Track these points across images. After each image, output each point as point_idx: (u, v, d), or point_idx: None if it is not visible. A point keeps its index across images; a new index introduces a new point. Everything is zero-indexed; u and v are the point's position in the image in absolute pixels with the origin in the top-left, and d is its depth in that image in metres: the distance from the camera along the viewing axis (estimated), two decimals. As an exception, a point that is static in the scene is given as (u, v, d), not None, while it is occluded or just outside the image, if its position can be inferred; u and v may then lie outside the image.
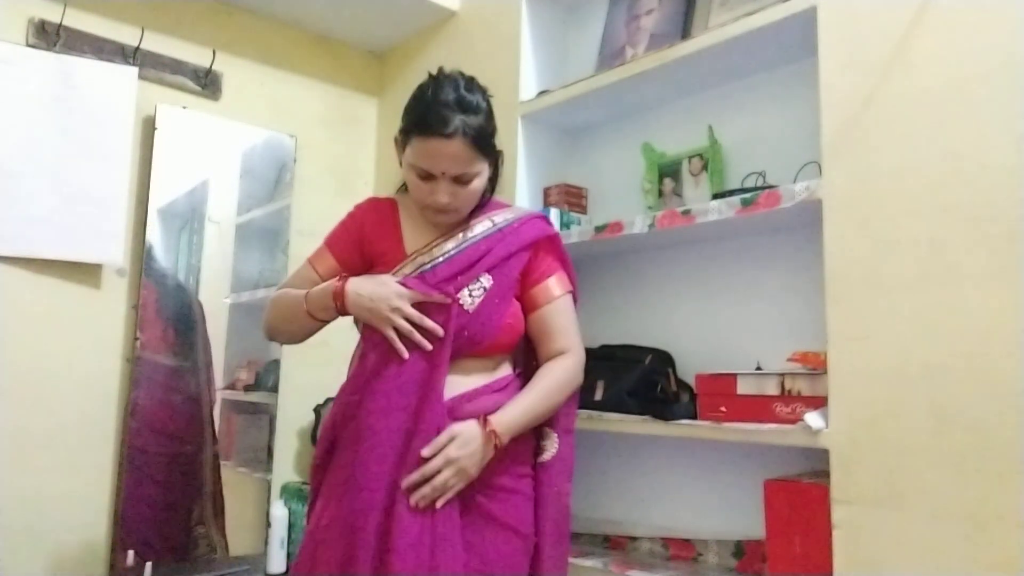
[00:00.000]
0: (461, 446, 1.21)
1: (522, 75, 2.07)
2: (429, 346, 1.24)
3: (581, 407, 1.76)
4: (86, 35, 2.01)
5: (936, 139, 1.24)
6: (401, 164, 1.34)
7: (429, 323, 1.25)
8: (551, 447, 1.36)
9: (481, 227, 1.37)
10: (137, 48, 2.08)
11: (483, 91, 1.33)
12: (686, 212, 1.59)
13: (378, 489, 1.19)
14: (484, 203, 1.40)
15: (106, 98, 1.98)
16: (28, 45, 1.92)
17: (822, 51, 1.39)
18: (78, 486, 1.92)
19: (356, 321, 1.37)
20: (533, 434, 1.37)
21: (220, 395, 2.19)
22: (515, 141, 2.04)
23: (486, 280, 1.32)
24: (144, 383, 2.02)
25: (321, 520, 1.25)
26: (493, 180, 1.38)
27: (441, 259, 1.32)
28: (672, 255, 1.88)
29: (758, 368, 1.56)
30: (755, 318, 1.69)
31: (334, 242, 1.42)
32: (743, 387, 1.48)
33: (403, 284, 1.27)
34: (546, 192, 2.08)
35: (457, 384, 1.28)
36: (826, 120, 1.37)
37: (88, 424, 1.96)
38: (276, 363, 2.27)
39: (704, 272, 1.81)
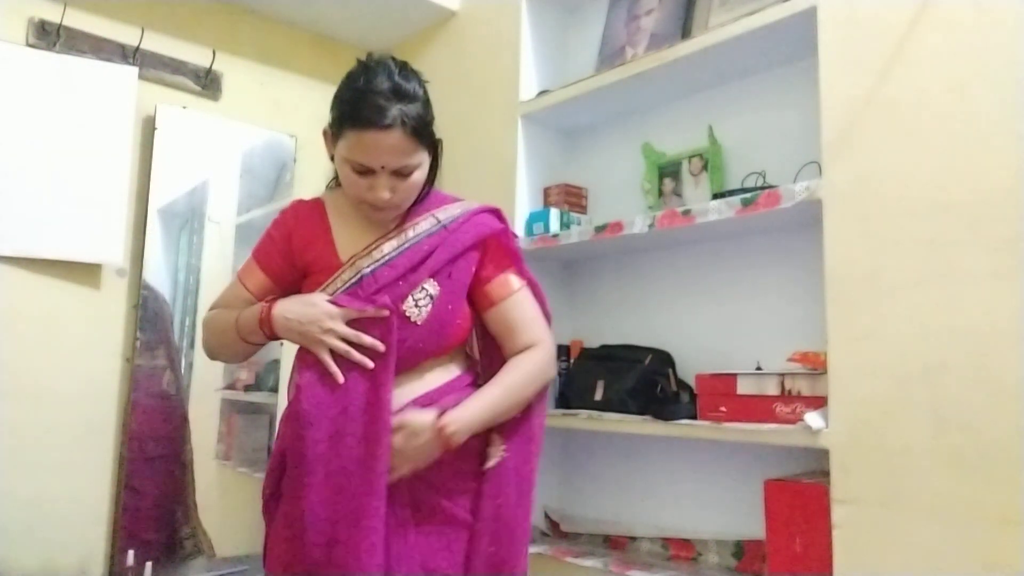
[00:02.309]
0: (408, 437, 1.14)
1: (522, 75, 2.07)
2: (371, 364, 1.16)
3: (581, 407, 1.77)
4: (86, 35, 2.01)
5: (936, 139, 1.24)
6: (332, 158, 1.25)
7: (368, 339, 1.16)
8: (495, 454, 1.25)
9: (424, 225, 1.26)
10: (137, 48, 2.08)
11: (418, 77, 1.22)
12: (686, 212, 1.59)
13: (339, 521, 1.13)
14: (426, 197, 1.30)
15: (106, 98, 1.98)
16: (28, 45, 1.92)
17: (822, 51, 1.39)
18: (78, 486, 1.92)
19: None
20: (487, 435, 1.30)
21: (220, 395, 2.19)
22: (515, 141, 2.04)
23: (431, 287, 1.23)
24: (143, 383, 2.02)
25: (284, 558, 1.16)
26: (433, 171, 1.28)
27: (381, 262, 1.22)
28: (672, 255, 1.88)
29: (758, 368, 1.56)
30: (755, 318, 1.69)
31: (261, 255, 1.31)
32: (743, 387, 1.48)
33: (333, 302, 1.18)
34: (546, 192, 2.08)
35: (416, 387, 1.22)
36: (826, 120, 1.37)
37: (88, 424, 1.96)
38: (276, 363, 2.27)
39: (704, 272, 1.81)
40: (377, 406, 1.16)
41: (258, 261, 1.31)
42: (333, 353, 1.17)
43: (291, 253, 1.29)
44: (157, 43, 2.13)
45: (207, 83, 2.23)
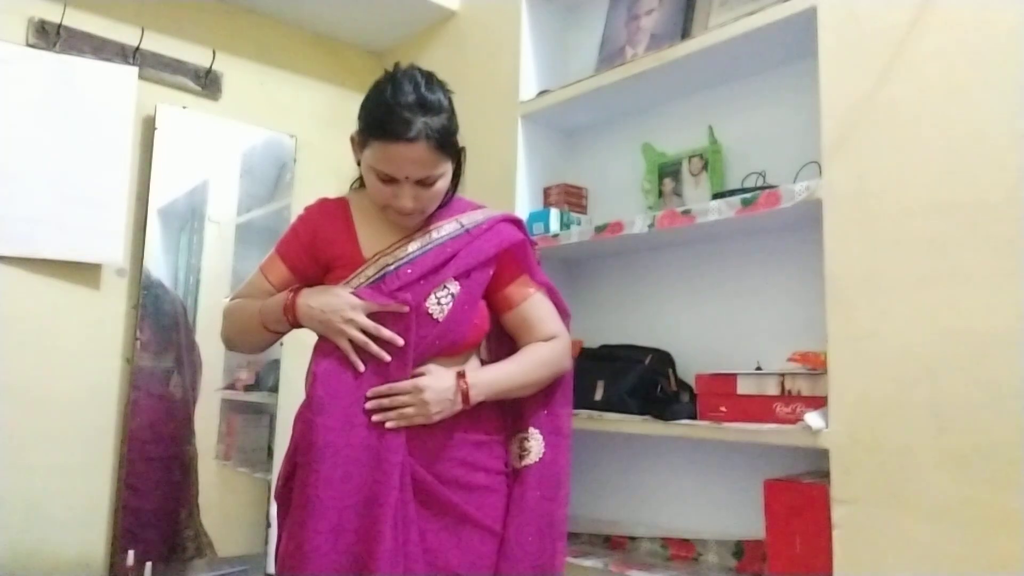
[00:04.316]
0: (433, 379, 1.19)
1: (522, 75, 2.07)
2: (387, 357, 1.20)
3: (581, 407, 1.76)
4: (86, 35, 2.01)
5: (936, 139, 1.24)
6: (359, 163, 1.29)
7: (386, 333, 1.20)
8: (536, 448, 1.31)
9: (448, 228, 1.31)
10: (137, 48, 2.08)
11: (443, 87, 1.26)
12: (686, 212, 1.59)
13: (346, 508, 1.15)
14: (449, 202, 1.35)
15: (106, 98, 1.98)
16: (28, 45, 1.92)
17: (822, 51, 1.39)
18: (78, 486, 1.92)
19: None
20: (514, 434, 1.35)
21: (220, 395, 2.19)
22: (515, 141, 2.04)
23: (453, 286, 1.27)
24: (143, 383, 2.02)
25: (288, 547, 1.18)
26: (456, 178, 1.32)
27: (405, 260, 1.26)
28: (672, 255, 1.88)
29: (758, 368, 1.56)
30: (755, 318, 1.69)
31: (285, 249, 1.36)
32: (743, 387, 1.48)
33: (356, 294, 1.23)
34: (546, 192, 2.08)
35: None
36: (826, 120, 1.37)
37: (88, 424, 1.96)
38: (276, 363, 2.27)
39: (704, 272, 1.81)
40: None
41: (281, 255, 1.36)
42: (352, 344, 1.21)
43: (315, 248, 1.33)
44: (157, 43, 2.13)
45: (207, 83, 2.23)
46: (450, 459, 1.24)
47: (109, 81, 1.99)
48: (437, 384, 1.20)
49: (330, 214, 1.35)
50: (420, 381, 1.19)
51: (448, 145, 1.22)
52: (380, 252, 1.28)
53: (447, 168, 1.25)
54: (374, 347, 1.20)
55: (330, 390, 1.20)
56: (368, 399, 1.20)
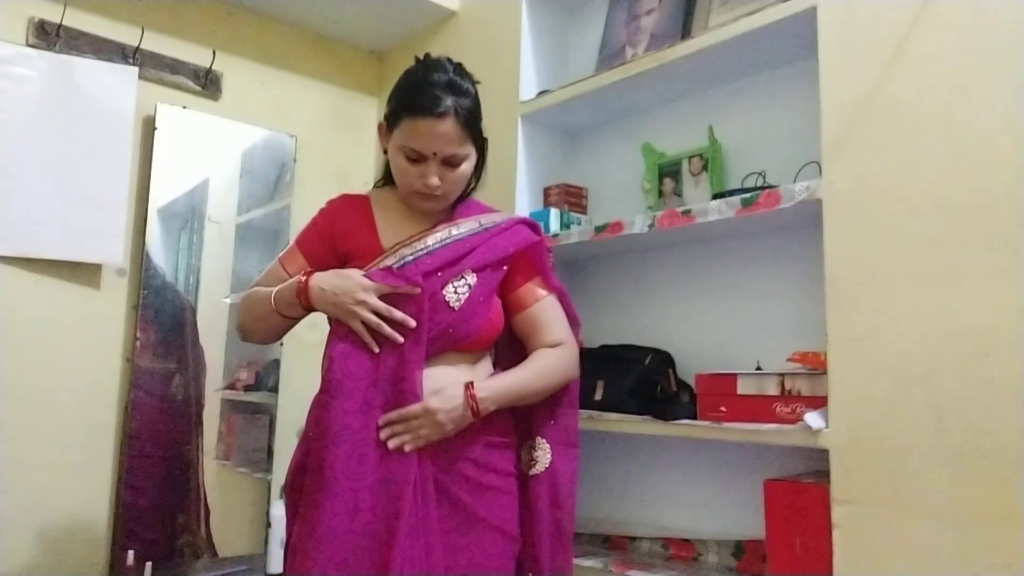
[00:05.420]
0: (442, 400, 1.20)
1: (522, 75, 2.07)
2: (400, 339, 1.21)
3: (581, 407, 1.76)
4: (86, 35, 2.01)
5: (936, 139, 1.24)
6: (385, 151, 1.33)
7: (398, 314, 1.21)
8: (543, 459, 1.34)
9: (467, 226, 1.35)
10: (137, 48, 2.08)
11: (471, 78, 1.33)
12: (686, 212, 1.59)
13: (362, 489, 1.15)
14: (471, 203, 1.40)
15: (106, 98, 1.98)
16: (28, 45, 1.92)
17: (822, 51, 1.39)
18: (78, 486, 1.92)
19: (329, 318, 1.33)
20: (523, 440, 1.37)
21: (220, 395, 2.19)
22: (515, 141, 2.04)
23: (471, 277, 1.29)
24: (143, 383, 2.02)
25: (303, 530, 1.18)
26: (479, 169, 1.37)
27: (423, 252, 1.29)
28: (672, 255, 1.88)
29: (758, 368, 1.56)
30: (755, 318, 1.69)
31: (304, 240, 1.39)
32: (743, 387, 1.48)
33: (368, 277, 1.24)
34: (546, 192, 2.08)
35: (443, 376, 1.25)
36: (826, 120, 1.37)
37: (88, 424, 1.95)
38: (276, 363, 2.27)
39: (704, 272, 1.81)
40: (409, 381, 1.21)
41: (300, 246, 1.39)
42: (366, 326, 1.22)
43: (334, 239, 1.36)
44: (157, 43, 2.13)
45: (207, 83, 2.23)
46: (462, 459, 1.25)
47: (109, 81, 1.99)
48: (446, 405, 1.20)
49: (351, 208, 1.39)
50: (430, 404, 1.20)
51: (474, 127, 1.29)
52: (399, 243, 1.30)
53: (472, 152, 1.30)
54: (387, 328, 1.21)
55: (348, 372, 1.21)
56: (380, 427, 1.20)
